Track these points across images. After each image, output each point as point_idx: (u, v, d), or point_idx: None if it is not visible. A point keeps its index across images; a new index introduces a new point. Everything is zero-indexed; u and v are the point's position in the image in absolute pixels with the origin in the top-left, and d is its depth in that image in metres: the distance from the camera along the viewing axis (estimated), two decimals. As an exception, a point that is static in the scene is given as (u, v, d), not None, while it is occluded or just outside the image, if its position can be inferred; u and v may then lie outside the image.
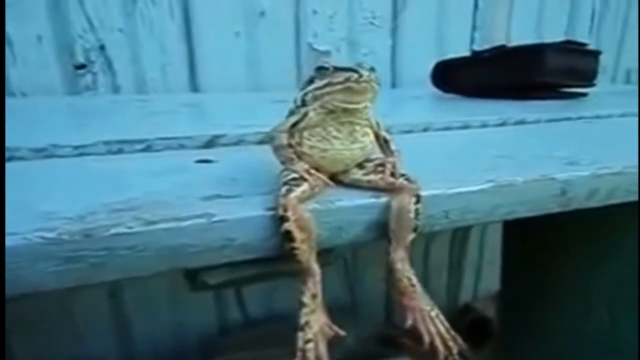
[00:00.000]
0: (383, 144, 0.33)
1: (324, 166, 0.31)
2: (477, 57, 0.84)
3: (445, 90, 0.87)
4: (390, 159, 0.32)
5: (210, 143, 0.44)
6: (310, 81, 0.30)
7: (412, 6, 1.10)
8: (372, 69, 0.29)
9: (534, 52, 0.73)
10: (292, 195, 0.28)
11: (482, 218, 0.35)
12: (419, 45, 1.12)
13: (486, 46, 1.11)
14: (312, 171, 0.30)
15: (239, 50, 0.98)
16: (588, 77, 0.77)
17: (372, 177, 0.32)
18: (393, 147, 0.33)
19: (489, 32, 1.19)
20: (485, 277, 1.39)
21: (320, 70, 0.30)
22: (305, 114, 0.30)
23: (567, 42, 0.76)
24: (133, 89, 0.92)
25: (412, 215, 0.31)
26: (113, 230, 0.25)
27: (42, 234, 0.24)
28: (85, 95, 0.89)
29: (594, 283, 0.65)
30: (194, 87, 0.96)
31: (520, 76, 0.74)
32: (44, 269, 0.24)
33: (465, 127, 0.54)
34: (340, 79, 0.28)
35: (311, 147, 0.31)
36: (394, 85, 1.13)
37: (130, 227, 0.26)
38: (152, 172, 0.35)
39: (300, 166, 0.30)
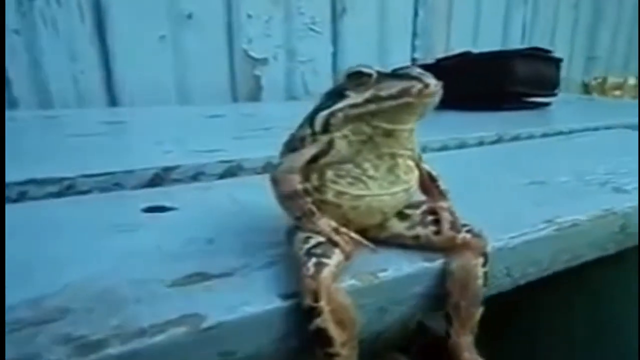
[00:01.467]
0: (428, 182, 0.23)
1: (353, 220, 0.21)
2: (438, 65, 0.77)
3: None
4: (444, 204, 0.22)
5: (158, 179, 0.31)
6: (339, 94, 0.20)
7: (353, 12, 1.03)
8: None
9: (502, 60, 0.68)
10: (326, 272, 0.18)
11: (545, 269, 0.27)
12: (361, 52, 1.05)
13: (426, 55, 1.07)
14: (343, 229, 0.20)
15: (164, 56, 0.84)
16: (552, 86, 0.73)
17: (420, 230, 0.22)
18: (443, 185, 0.23)
19: (429, 40, 1.15)
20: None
21: (357, 77, 0.19)
22: (330, 144, 0.20)
23: (533, 48, 0.72)
24: (35, 103, 0.75)
25: (480, 282, 0.21)
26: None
27: None
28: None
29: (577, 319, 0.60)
30: (112, 100, 0.81)
31: (485, 85, 0.68)
32: None
33: (462, 145, 0.46)
34: (395, 91, 0.18)
35: (338, 193, 0.20)
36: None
37: (55, 363, 0.14)
38: (77, 236, 0.23)
39: (325, 223, 0.20)
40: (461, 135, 0.47)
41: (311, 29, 1.00)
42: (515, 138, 0.49)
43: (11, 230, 0.23)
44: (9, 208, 0.26)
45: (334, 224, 0.20)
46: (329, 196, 0.20)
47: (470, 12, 1.22)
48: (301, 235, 0.20)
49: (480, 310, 0.22)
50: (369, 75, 0.19)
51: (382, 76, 0.19)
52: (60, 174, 0.29)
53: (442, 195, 0.23)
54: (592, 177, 0.35)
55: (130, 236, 0.22)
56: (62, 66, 0.77)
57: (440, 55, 0.90)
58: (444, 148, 0.44)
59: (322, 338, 0.18)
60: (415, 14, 1.13)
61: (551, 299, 0.59)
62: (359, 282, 0.20)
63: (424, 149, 0.43)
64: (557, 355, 0.56)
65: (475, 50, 0.74)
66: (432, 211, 0.22)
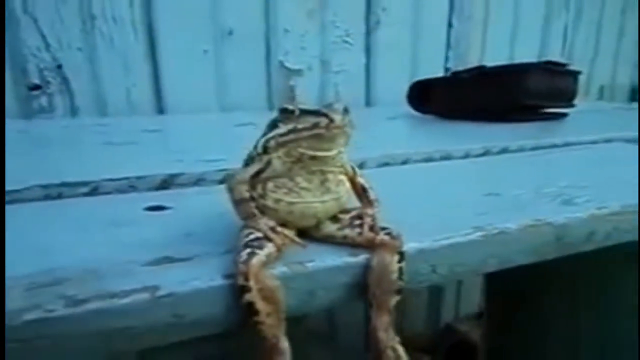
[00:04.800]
0: (360, 192, 0.29)
1: (291, 221, 0.27)
2: (455, 78, 0.81)
3: (422, 111, 0.84)
4: (369, 211, 0.28)
5: (165, 184, 0.39)
6: (274, 125, 0.26)
7: (386, 24, 1.07)
8: (345, 111, 0.24)
9: (515, 73, 0.71)
10: (255, 260, 0.24)
11: (474, 270, 0.31)
12: (394, 63, 1.10)
13: (460, 65, 1.09)
14: (278, 228, 0.26)
15: (206, 69, 0.93)
16: (568, 98, 0.75)
17: (348, 232, 0.27)
18: (372, 196, 0.28)
19: (463, 51, 1.18)
20: (465, 297, 1.36)
21: (284, 112, 0.25)
22: (269, 163, 0.26)
23: (548, 62, 0.74)
24: (93, 111, 0.86)
25: (395, 276, 0.26)
26: (27, 316, 0.20)
27: None
28: (41, 118, 0.82)
29: (581, 325, 0.62)
30: (160, 109, 0.91)
31: (500, 98, 0.71)
32: None
33: (447, 157, 0.50)
34: (308, 124, 0.24)
35: (277, 200, 0.26)
36: (368, 104, 1.10)
37: (50, 311, 0.21)
38: (91, 226, 0.30)
39: (264, 223, 0.26)
40: (449, 147, 0.51)
41: (345, 41, 1.06)
42: (504, 151, 0.53)
43: (48, 224, 0.31)
44: (48, 205, 0.35)
45: (272, 223, 0.26)
46: (269, 202, 0.26)
47: (507, 21, 1.23)
48: (245, 231, 0.26)
49: (395, 298, 0.27)
50: (292, 111, 0.25)
51: (303, 112, 0.25)
52: (89, 178, 0.37)
53: (370, 203, 0.28)
54: (548, 190, 0.38)
55: (126, 229, 0.29)
56: (118, 79, 0.87)
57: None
58: (429, 160, 0.49)
59: (251, 310, 0.23)
60: (450, 24, 1.15)
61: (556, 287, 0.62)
62: (288, 270, 0.25)
63: (408, 161, 0.48)
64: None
65: (490, 64, 0.77)
66: (359, 216, 0.28)
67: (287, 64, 1.00)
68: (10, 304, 0.21)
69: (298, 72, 1.02)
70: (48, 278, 0.23)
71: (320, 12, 1.00)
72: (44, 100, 0.83)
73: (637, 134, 0.61)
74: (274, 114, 0.26)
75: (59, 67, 0.83)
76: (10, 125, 0.72)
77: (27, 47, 0.80)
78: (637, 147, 0.56)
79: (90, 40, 0.84)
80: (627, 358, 0.57)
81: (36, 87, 0.83)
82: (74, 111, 0.85)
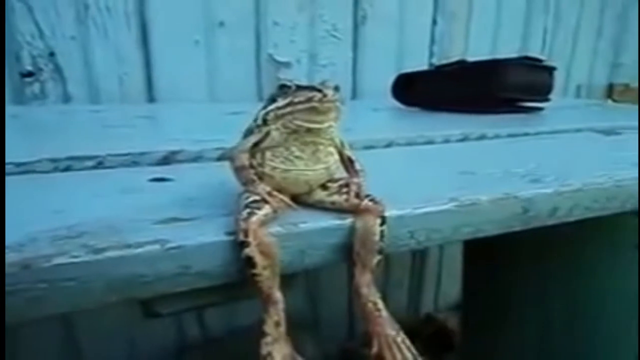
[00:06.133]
0: (348, 163, 0.32)
1: (286, 187, 0.30)
2: (437, 71, 0.85)
3: (406, 103, 0.87)
4: (355, 180, 0.31)
5: (166, 160, 0.42)
6: (272, 99, 0.29)
7: (373, 20, 1.10)
8: (336, 88, 0.28)
9: (494, 68, 0.75)
10: (254, 219, 0.27)
11: (448, 237, 0.34)
12: (379, 57, 1.13)
13: (444, 60, 1.13)
14: (274, 193, 0.29)
15: (197, 59, 0.95)
16: (544, 92, 0.79)
17: (335, 198, 0.31)
18: (358, 166, 0.32)
19: (447, 47, 1.22)
20: (445, 288, 1.41)
21: (283, 88, 0.28)
22: (267, 134, 0.29)
23: (525, 58, 0.78)
24: (86, 99, 0.88)
25: (377, 237, 0.30)
26: (56, 261, 0.23)
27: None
28: (33, 105, 0.84)
29: (553, 297, 0.66)
30: (151, 98, 0.93)
31: (480, 91, 0.75)
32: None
33: (429, 142, 0.53)
34: (303, 98, 0.27)
35: (273, 168, 0.29)
36: (354, 96, 1.13)
37: (75, 257, 0.23)
38: (102, 193, 0.33)
39: (262, 188, 0.29)
40: (430, 133, 0.54)
41: (333, 36, 1.09)
42: (482, 137, 0.57)
43: (62, 191, 0.33)
44: (59, 176, 0.37)
45: (268, 188, 0.29)
46: (267, 170, 0.29)
47: (489, 20, 1.27)
48: (245, 195, 0.29)
49: (377, 258, 0.30)
50: (289, 86, 0.28)
51: (299, 88, 0.28)
52: (95, 153, 0.40)
53: (356, 173, 0.31)
54: (518, 170, 0.42)
55: (133, 196, 0.32)
56: (110, 67, 0.89)
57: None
58: (411, 144, 0.52)
59: (250, 263, 0.26)
60: (434, 22, 1.19)
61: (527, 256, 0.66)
62: (283, 230, 0.28)
63: (391, 144, 0.51)
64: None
65: (471, 59, 0.81)
66: (347, 184, 0.31)
67: (276, 57, 1.03)
68: (40, 251, 0.23)
69: (286, 64, 1.05)
70: (70, 232, 0.26)
71: (309, 6, 1.03)
72: (36, 88, 0.85)
73: (605, 125, 0.66)
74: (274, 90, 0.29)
75: (52, 54, 0.85)
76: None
77: (21, 35, 0.82)
78: (604, 136, 0.61)
79: (84, 29, 0.86)
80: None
81: (29, 74, 0.84)
82: (66, 98, 0.87)
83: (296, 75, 1.06)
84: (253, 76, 1.02)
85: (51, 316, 0.24)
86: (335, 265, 0.31)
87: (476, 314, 0.89)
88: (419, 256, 1.36)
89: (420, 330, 1.24)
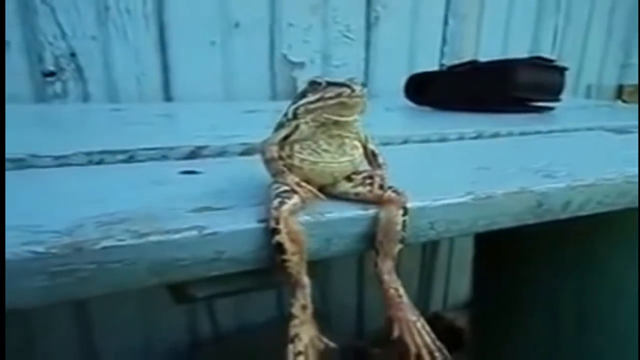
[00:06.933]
0: (371, 157, 0.33)
1: (313, 179, 0.31)
2: (450, 72, 0.86)
3: (418, 103, 0.89)
4: (378, 172, 0.33)
5: (194, 154, 0.43)
6: (303, 95, 0.31)
7: (385, 21, 1.12)
8: (363, 85, 0.29)
9: (506, 68, 0.76)
10: (284, 207, 0.28)
11: (466, 229, 0.36)
12: (392, 58, 1.15)
13: (455, 60, 1.14)
14: (303, 184, 0.30)
15: (213, 59, 0.97)
16: (555, 92, 0.80)
17: (360, 189, 0.32)
18: (381, 160, 0.33)
19: (458, 47, 1.23)
20: (454, 287, 1.42)
21: (313, 84, 0.30)
22: (297, 127, 0.31)
23: (537, 58, 0.79)
24: (105, 98, 0.90)
25: (399, 227, 0.31)
26: (104, 243, 0.25)
27: (31, 248, 0.23)
28: (54, 104, 0.86)
29: (564, 295, 0.67)
30: (167, 97, 0.95)
31: (492, 91, 0.77)
32: (31, 285, 0.23)
33: (443, 139, 0.55)
34: (333, 94, 0.29)
35: (302, 160, 0.31)
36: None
37: (121, 240, 0.25)
38: (137, 184, 0.35)
39: (291, 179, 0.30)
40: (444, 130, 0.56)
41: (346, 36, 1.11)
42: (495, 135, 0.58)
43: (99, 182, 0.35)
44: (94, 169, 0.39)
45: (297, 179, 0.30)
46: (296, 162, 0.31)
47: (500, 20, 1.28)
48: (275, 185, 0.30)
49: (398, 247, 0.32)
50: (320, 83, 0.30)
51: (329, 84, 0.29)
52: (125, 147, 0.42)
53: (379, 166, 0.33)
54: (532, 167, 0.43)
55: (166, 187, 0.34)
56: (129, 67, 0.91)
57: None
58: (426, 141, 0.54)
59: (280, 249, 0.28)
60: (446, 22, 1.20)
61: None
62: (310, 218, 0.30)
63: (407, 141, 0.52)
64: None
65: (482, 59, 0.82)
66: (370, 176, 0.33)
67: (290, 57, 1.05)
68: (87, 235, 0.25)
69: (300, 65, 1.07)
70: (113, 218, 0.27)
71: (322, 7, 1.05)
72: (58, 87, 0.87)
73: (616, 124, 0.67)
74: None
75: (73, 55, 0.87)
76: (26, 108, 0.77)
77: (44, 35, 0.84)
78: (615, 135, 0.62)
79: (104, 30, 0.88)
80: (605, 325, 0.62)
81: (51, 74, 0.87)
82: (85, 97, 0.89)
83: (310, 75, 1.07)
84: (267, 76, 1.04)
85: (98, 296, 0.26)
86: (343, 258, 0.33)
87: (486, 312, 0.90)
88: (428, 255, 1.37)
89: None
